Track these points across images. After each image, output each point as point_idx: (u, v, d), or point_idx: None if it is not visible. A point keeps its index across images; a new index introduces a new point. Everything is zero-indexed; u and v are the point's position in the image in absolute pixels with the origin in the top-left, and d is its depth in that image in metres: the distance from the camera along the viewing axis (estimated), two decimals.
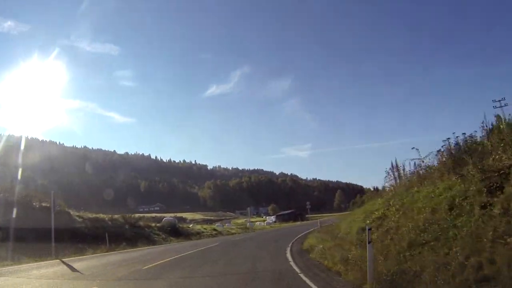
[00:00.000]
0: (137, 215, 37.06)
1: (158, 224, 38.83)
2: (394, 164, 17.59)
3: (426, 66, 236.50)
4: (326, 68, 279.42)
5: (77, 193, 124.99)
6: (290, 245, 18.91)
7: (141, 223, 36.51)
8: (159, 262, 13.88)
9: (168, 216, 60.40)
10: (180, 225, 42.92)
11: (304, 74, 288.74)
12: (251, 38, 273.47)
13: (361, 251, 10.53)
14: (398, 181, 17.34)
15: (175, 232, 38.19)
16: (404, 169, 16.66)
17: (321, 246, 14.36)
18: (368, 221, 14.72)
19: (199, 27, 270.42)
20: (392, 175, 17.45)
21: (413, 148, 14.40)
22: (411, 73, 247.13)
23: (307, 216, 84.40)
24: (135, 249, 24.76)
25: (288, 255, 14.75)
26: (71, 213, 30.50)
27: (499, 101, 42.56)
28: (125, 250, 23.58)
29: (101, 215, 34.07)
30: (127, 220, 35.01)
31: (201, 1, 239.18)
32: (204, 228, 45.03)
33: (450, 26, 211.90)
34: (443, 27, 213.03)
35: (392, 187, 17.15)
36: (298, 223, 67.38)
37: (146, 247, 26.38)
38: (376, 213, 14.79)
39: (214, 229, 45.37)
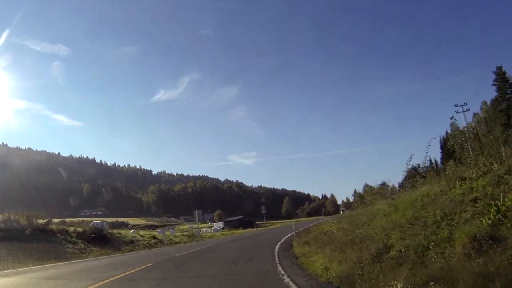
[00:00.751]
0: (45, 220, 25.90)
1: (78, 229, 28.00)
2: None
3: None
4: (272, 78, 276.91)
5: (17, 195, 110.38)
6: (281, 268, 9.83)
7: (52, 226, 25.65)
8: None
9: (110, 221, 49.62)
10: (110, 231, 32.07)
11: (251, 83, 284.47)
12: (200, 44, 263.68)
13: None
14: None
15: (102, 240, 27.58)
16: None
17: (399, 286, 5.47)
18: (485, 221, 6.25)
19: (148, 32, 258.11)
20: None
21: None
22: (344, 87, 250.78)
23: (257, 223, 75.63)
24: (15, 270, 14.42)
25: None
26: None
27: (461, 105, 36.39)
28: None
29: None
30: (32, 222, 24.12)
31: (153, 7, 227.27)
32: (141, 236, 34.29)
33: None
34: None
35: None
36: (254, 230, 58.17)
37: (38, 266, 15.92)
38: (493, 202, 6.31)
39: (154, 237, 34.58)
